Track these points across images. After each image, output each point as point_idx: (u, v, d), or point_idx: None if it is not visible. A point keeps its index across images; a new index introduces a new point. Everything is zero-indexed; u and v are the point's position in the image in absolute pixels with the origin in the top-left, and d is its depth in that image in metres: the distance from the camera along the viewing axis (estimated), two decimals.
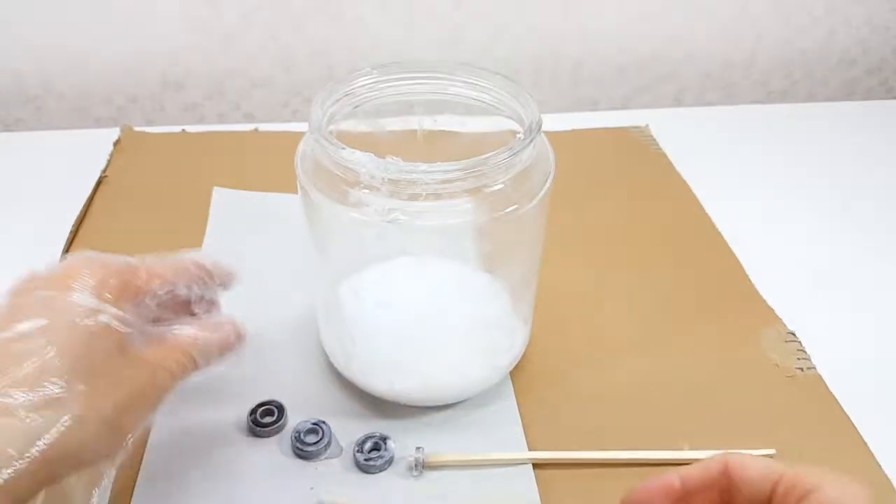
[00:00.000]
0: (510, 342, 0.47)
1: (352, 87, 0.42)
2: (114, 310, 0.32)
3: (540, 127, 0.39)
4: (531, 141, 0.38)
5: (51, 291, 0.32)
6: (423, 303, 0.45)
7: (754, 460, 0.30)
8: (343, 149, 0.36)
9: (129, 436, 0.32)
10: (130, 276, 0.35)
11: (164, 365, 0.34)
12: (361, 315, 0.45)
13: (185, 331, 0.36)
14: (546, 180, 0.40)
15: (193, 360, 0.36)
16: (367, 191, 0.37)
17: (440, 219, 0.38)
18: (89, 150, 0.68)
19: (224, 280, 0.41)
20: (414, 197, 0.37)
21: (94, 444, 0.30)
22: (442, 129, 0.45)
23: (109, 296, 0.33)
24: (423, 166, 0.36)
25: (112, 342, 0.32)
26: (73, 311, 0.31)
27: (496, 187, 0.38)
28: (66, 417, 0.29)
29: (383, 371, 0.45)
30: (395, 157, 0.36)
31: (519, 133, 0.40)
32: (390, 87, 0.44)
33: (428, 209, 0.37)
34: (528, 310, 0.47)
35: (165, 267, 0.37)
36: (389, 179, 0.36)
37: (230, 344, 0.38)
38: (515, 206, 0.39)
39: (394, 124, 0.45)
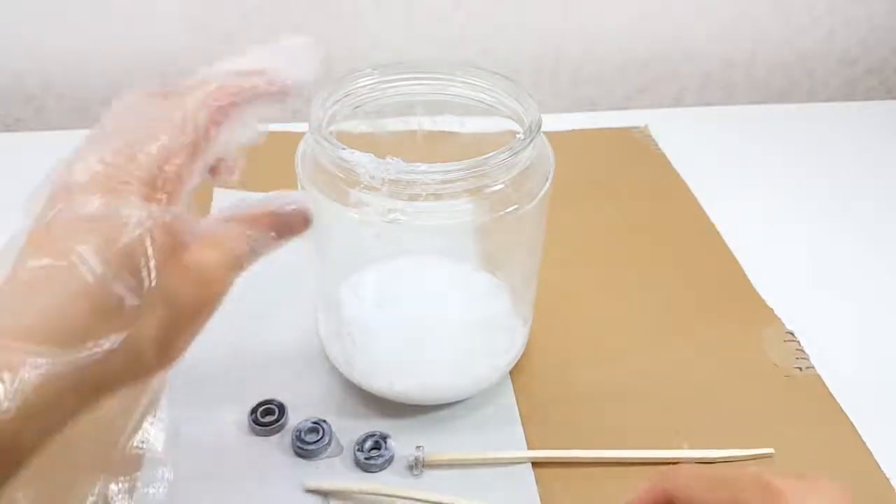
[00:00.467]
0: (510, 342, 0.47)
1: (352, 87, 0.42)
2: (167, 214, 0.28)
3: (539, 127, 0.39)
4: (531, 141, 0.38)
5: (93, 200, 0.27)
6: (423, 303, 0.45)
7: (694, 487, 0.29)
8: (343, 149, 0.36)
9: (180, 357, 0.29)
10: (178, 167, 0.29)
11: (218, 272, 0.30)
12: (361, 315, 0.45)
13: (234, 227, 0.31)
14: (546, 180, 0.40)
15: (252, 253, 0.31)
16: (367, 191, 0.37)
17: (440, 219, 0.38)
18: None
19: (281, 88, 0.33)
20: (414, 197, 0.37)
21: (145, 364, 0.27)
22: (442, 129, 0.45)
23: (162, 197, 0.28)
24: (423, 167, 0.36)
25: (166, 250, 0.27)
26: (122, 223, 0.26)
27: (496, 187, 0.38)
28: (119, 337, 0.26)
29: (383, 371, 0.45)
30: (395, 158, 0.36)
31: (519, 133, 0.40)
32: (391, 87, 0.44)
33: (428, 209, 0.37)
34: (528, 309, 0.47)
35: (205, 115, 0.30)
36: (389, 180, 0.36)
37: (291, 227, 0.33)
38: (515, 206, 0.39)
39: (394, 125, 0.45)
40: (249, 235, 0.31)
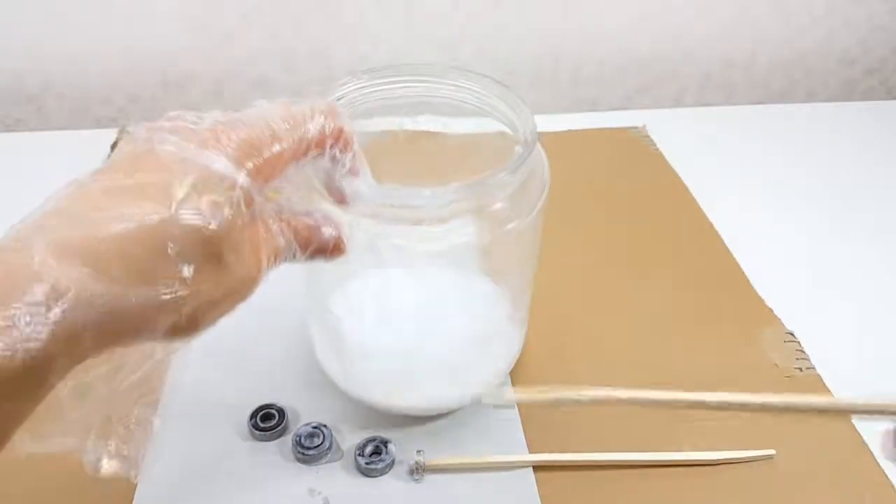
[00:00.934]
0: (509, 347, 0.47)
1: (341, 94, 0.40)
2: (248, 182, 0.27)
3: (535, 141, 0.38)
4: (529, 155, 0.37)
5: (188, 144, 0.27)
6: (421, 315, 0.45)
7: None
8: (342, 178, 0.34)
9: (205, 330, 0.28)
10: (276, 156, 0.29)
11: (266, 259, 0.30)
12: (357, 330, 0.44)
13: (285, 230, 0.31)
14: (542, 191, 0.40)
15: (282, 255, 0.31)
16: (364, 216, 0.35)
17: (441, 245, 0.37)
18: (89, 150, 0.67)
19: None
20: (417, 222, 0.36)
21: (177, 324, 0.26)
22: (430, 129, 0.44)
23: (251, 165, 0.28)
24: (425, 192, 0.34)
25: (242, 220, 0.27)
26: (224, 181, 0.27)
27: (495, 206, 0.37)
28: (180, 290, 0.25)
29: (382, 387, 0.45)
30: (394, 185, 0.34)
31: (517, 148, 0.38)
32: (379, 90, 0.42)
33: (428, 235, 0.36)
34: (525, 313, 0.47)
35: (305, 137, 0.30)
36: (389, 205, 0.35)
37: (324, 251, 0.33)
38: (515, 222, 0.38)
39: (382, 125, 0.44)
40: (286, 242, 0.31)
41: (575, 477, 0.43)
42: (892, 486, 0.43)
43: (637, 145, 0.73)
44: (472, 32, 0.81)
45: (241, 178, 0.27)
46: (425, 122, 0.44)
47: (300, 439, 0.43)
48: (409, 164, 0.40)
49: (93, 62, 0.79)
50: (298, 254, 0.32)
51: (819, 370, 0.50)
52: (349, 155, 0.32)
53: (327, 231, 0.32)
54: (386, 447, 0.43)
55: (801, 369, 0.50)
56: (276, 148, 0.29)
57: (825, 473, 0.44)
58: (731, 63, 0.87)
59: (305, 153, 0.30)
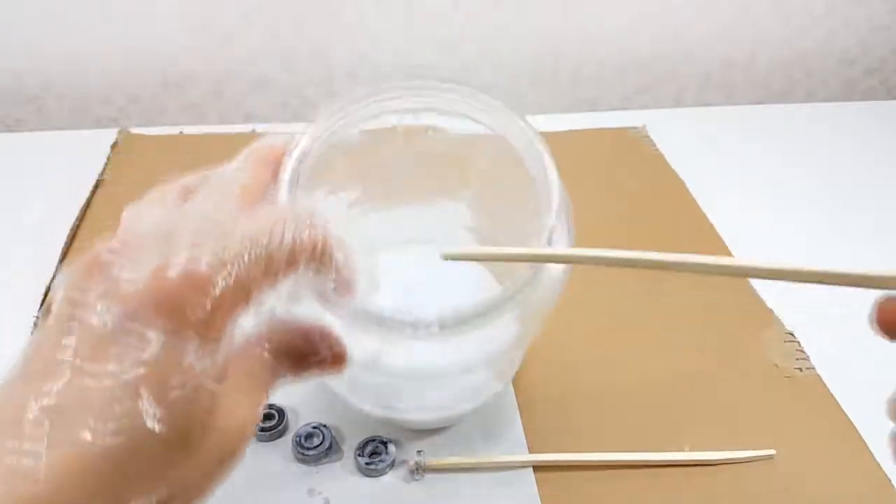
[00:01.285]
0: (512, 362, 0.45)
1: (340, 115, 0.37)
2: (198, 352, 0.23)
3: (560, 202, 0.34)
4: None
5: (118, 312, 0.22)
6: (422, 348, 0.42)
7: None
8: (332, 294, 0.29)
9: None
10: (236, 287, 0.23)
11: (248, 412, 0.25)
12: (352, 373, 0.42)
13: (263, 360, 0.26)
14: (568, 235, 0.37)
15: (272, 387, 0.26)
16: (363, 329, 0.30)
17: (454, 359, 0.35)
18: (89, 150, 0.68)
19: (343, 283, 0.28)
20: (424, 339, 0.31)
21: None
22: (430, 124, 0.41)
23: (198, 318, 0.22)
24: (432, 315, 0.30)
25: (195, 410, 0.23)
26: (145, 366, 0.22)
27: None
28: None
29: (380, 406, 0.43)
30: (397, 297, 0.31)
31: (545, 233, 0.34)
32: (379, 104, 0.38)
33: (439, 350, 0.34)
34: None
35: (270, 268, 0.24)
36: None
37: (320, 369, 0.28)
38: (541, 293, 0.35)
39: (380, 121, 0.42)
40: (275, 369, 0.26)
41: (575, 477, 0.43)
42: (893, 486, 0.43)
43: (637, 145, 0.73)
44: (472, 32, 0.81)
45: (190, 353, 0.22)
46: (426, 119, 0.43)
47: (300, 439, 0.43)
48: (409, 162, 0.40)
49: (93, 62, 0.79)
50: (290, 377, 0.27)
51: (819, 370, 0.50)
52: (331, 267, 0.27)
53: (324, 349, 0.28)
54: (386, 447, 0.43)
55: (801, 369, 0.50)
56: (232, 278, 0.23)
57: (825, 473, 0.44)
58: (731, 63, 0.87)
59: (275, 277, 0.25)
